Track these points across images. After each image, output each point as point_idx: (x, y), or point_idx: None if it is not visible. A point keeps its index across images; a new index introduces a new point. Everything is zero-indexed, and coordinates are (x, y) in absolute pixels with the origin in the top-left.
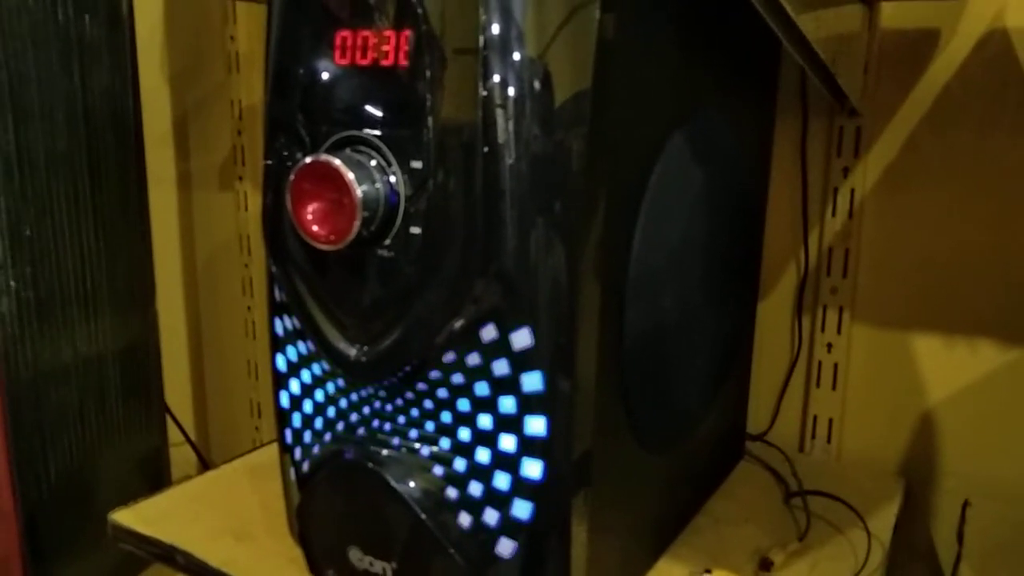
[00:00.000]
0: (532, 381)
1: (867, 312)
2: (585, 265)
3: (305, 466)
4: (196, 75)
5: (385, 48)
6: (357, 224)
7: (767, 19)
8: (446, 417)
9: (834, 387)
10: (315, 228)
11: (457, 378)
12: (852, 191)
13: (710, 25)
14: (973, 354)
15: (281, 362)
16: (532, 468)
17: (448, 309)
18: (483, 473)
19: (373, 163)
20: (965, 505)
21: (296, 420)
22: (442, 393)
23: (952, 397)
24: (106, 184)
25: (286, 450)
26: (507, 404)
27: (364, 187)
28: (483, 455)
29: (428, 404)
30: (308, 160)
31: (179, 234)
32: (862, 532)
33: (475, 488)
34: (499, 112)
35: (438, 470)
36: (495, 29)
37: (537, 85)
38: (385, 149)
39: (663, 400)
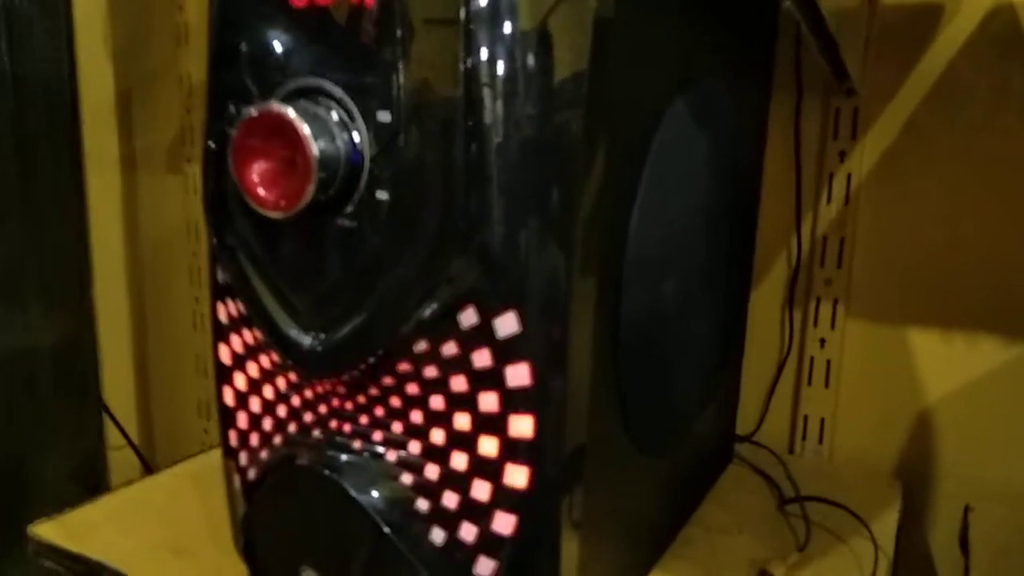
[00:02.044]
0: (518, 374)
1: (862, 305)
2: (580, 242)
3: (252, 472)
4: (142, 48)
5: None
6: (312, 187)
7: None
8: (416, 417)
9: (827, 385)
10: (262, 192)
11: (430, 371)
12: (848, 176)
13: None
14: (972, 350)
15: (224, 353)
16: (517, 476)
17: (420, 290)
18: (459, 481)
19: (333, 116)
20: (967, 510)
21: (242, 420)
22: (412, 389)
23: (950, 395)
24: (36, 164)
25: (230, 454)
26: (488, 401)
27: (321, 143)
28: (459, 461)
29: (395, 402)
30: (255, 111)
31: (122, 220)
32: (864, 540)
33: (450, 499)
34: (486, 91)
35: (406, 478)
36: (482, 1)
37: (531, 62)
38: (347, 100)
39: (660, 396)
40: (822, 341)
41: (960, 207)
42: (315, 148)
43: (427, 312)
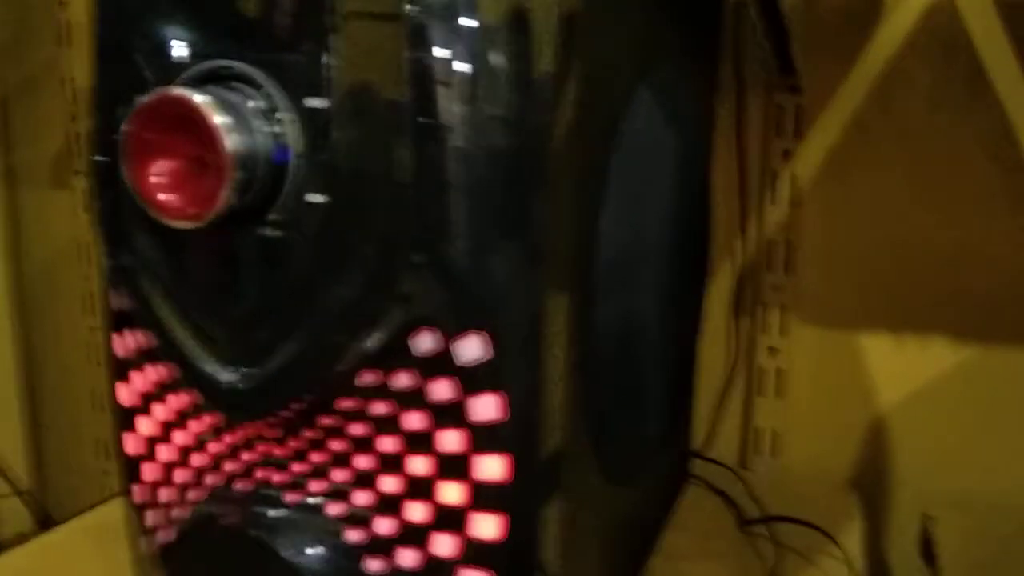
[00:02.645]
0: (485, 407)
1: (812, 311)
2: (551, 250)
3: (164, 535)
4: (19, 49)
5: None
6: (227, 190)
7: None
8: (363, 462)
9: (778, 395)
10: (164, 197)
11: (378, 408)
12: (793, 176)
13: None
14: (925, 352)
15: (124, 394)
16: (486, 526)
17: (365, 312)
18: (417, 536)
19: (250, 104)
20: (925, 520)
21: (148, 472)
22: (357, 429)
23: (904, 400)
24: None
25: (137, 512)
26: (451, 441)
27: (236, 136)
28: (417, 512)
29: (337, 445)
30: (153, 96)
31: (3, 241)
32: (831, 558)
33: (406, 557)
34: (441, 90)
35: (353, 535)
36: None
37: (495, 58)
38: (268, 82)
39: (631, 419)
40: (771, 349)
41: (907, 206)
42: (229, 142)
43: (374, 339)
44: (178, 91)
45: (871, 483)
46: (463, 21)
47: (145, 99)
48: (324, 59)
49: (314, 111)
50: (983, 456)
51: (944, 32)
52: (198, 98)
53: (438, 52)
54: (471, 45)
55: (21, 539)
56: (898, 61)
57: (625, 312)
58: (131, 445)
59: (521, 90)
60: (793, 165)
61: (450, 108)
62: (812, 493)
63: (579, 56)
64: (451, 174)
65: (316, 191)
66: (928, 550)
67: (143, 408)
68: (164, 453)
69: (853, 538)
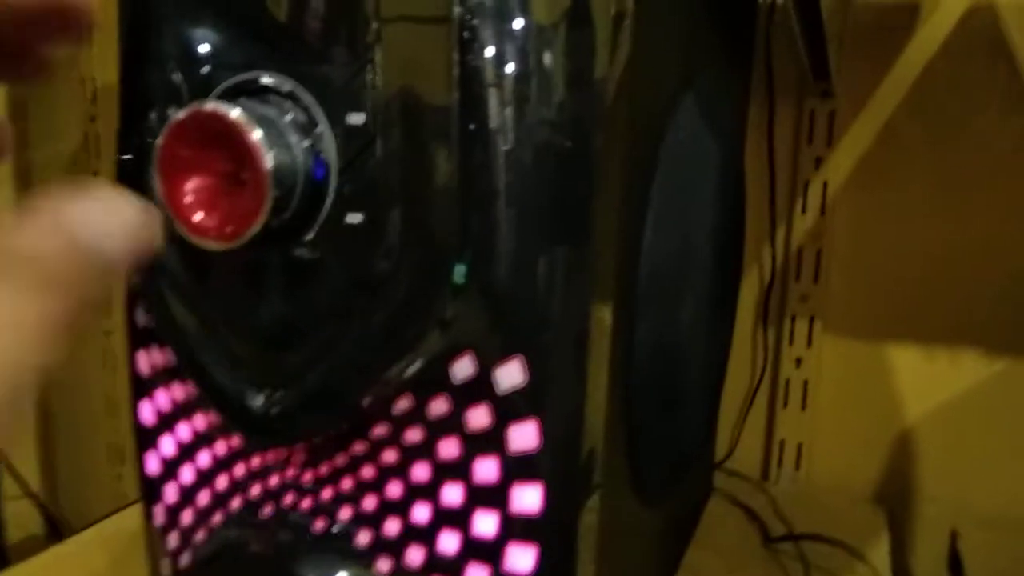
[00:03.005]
0: (524, 436)
1: (840, 322)
2: (597, 270)
3: (185, 559)
4: None
5: None
6: (265, 209)
7: None
8: (395, 490)
9: (803, 407)
10: (199, 217)
11: (413, 435)
12: (824, 184)
13: None
14: (955, 367)
15: (147, 412)
16: (521, 559)
17: (403, 336)
18: (449, 568)
19: (287, 118)
20: (954, 535)
21: (170, 493)
22: (390, 456)
23: (932, 414)
24: None
25: (157, 535)
26: (487, 470)
27: (275, 152)
28: (450, 542)
29: (368, 472)
30: (187, 112)
31: None
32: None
33: None
34: (491, 92)
35: (383, 565)
36: None
37: (548, 59)
38: (307, 97)
39: (669, 441)
40: (798, 360)
41: (941, 216)
42: (268, 159)
43: (411, 364)
44: (213, 106)
45: (897, 498)
46: (516, 22)
47: (179, 114)
48: (366, 71)
49: (354, 128)
50: (1012, 472)
51: (983, 36)
52: (234, 113)
53: (489, 54)
54: (522, 45)
55: (31, 542)
56: (935, 66)
57: (665, 328)
58: (153, 464)
59: (574, 91)
60: (824, 173)
61: (501, 112)
62: (837, 507)
63: (630, 55)
64: (500, 182)
65: (355, 210)
66: (956, 567)
67: (166, 427)
68: (187, 474)
69: (880, 554)
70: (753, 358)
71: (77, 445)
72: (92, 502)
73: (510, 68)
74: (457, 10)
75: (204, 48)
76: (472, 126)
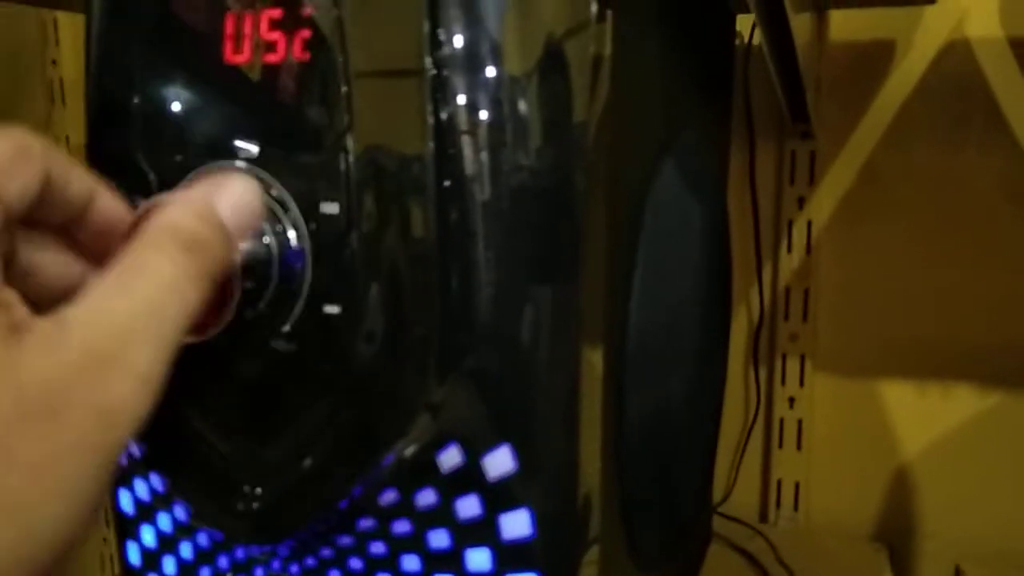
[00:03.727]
0: (516, 524)
1: (831, 360)
2: (588, 344)
3: None
4: (11, 107)
5: (271, 36)
6: (235, 301)
7: (760, 22)
8: None
9: (799, 447)
10: None
11: (401, 527)
12: (808, 223)
13: (681, 37)
14: (948, 401)
15: (126, 501)
16: None
17: (388, 427)
18: None
19: None
20: (957, 572)
21: None
22: (378, 549)
23: (928, 449)
24: None
25: None
26: (479, 560)
27: (246, 244)
28: None
29: (356, 564)
30: (149, 205)
31: None
32: None
33: None
34: (466, 140)
35: None
36: (457, 43)
37: (522, 107)
38: (278, 187)
39: (665, 507)
40: (791, 400)
41: (925, 251)
42: (236, 252)
43: (397, 455)
44: None
45: (898, 535)
46: (487, 71)
47: (143, 207)
48: (338, 159)
49: (329, 216)
50: (1012, 505)
51: (958, 74)
52: None
53: (462, 103)
54: (494, 94)
55: None
56: (912, 105)
57: (656, 396)
58: (134, 555)
59: (552, 139)
60: (808, 212)
61: (475, 160)
62: (838, 548)
63: (610, 104)
64: (478, 235)
65: (332, 301)
66: None
67: (146, 516)
68: (169, 566)
69: None
70: (746, 399)
71: None
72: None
73: (484, 115)
74: (428, 61)
75: (174, 135)
76: (447, 182)
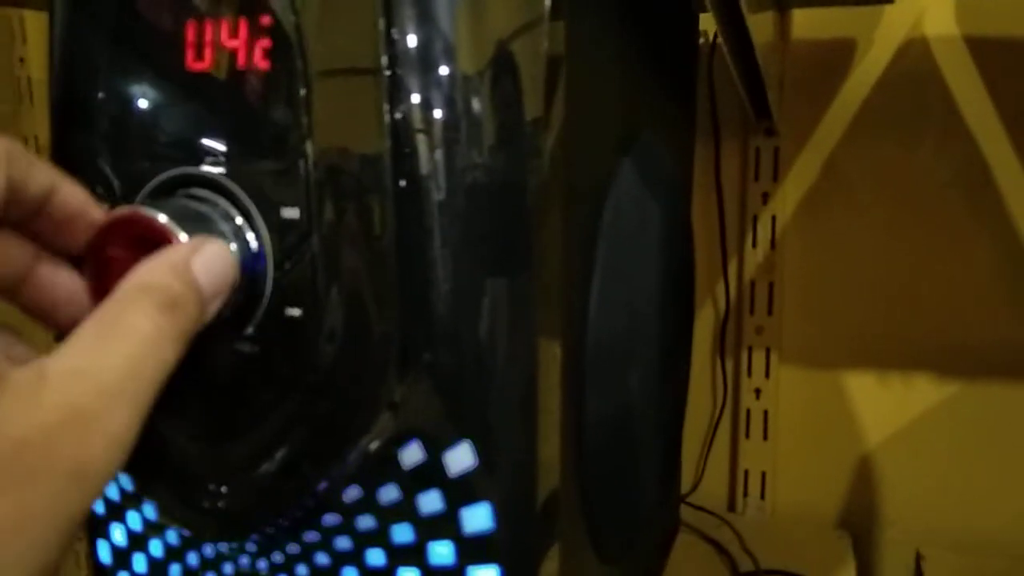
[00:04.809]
0: (477, 518)
1: (796, 352)
2: (545, 341)
3: None
4: None
5: (231, 43)
6: None
7: (718, 21)
8: None
9: (765, 437)
10: None
11: (365, 522)
12: (773, 218)
13: (640, 37)
14: (910, 390)
15: (97, 501)
16: None
17: (350, 425)
18: None
19: (222, 216)
20: (919, 558)
21: None
22: (343, 544)
23: (891, 438)
24: None
25: None
26: (442, 553)
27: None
28: None
29: (322, 559)
30: (114, 217)
31: None
32: None
33: None
34: (421, 138)
35: None
36: (411, 42)
37: (476, 105)
38: (239, 193)
39: (625, 499)
40: (757, 391)
41: (887, 245)
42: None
43: (360, 452)
44: (140, 210)
45: (862, 522)
46: (441, 70)
47: (106, 217)
48: (298, 162)
49: (289, 221)
50: (972, 493)
51: (917, 71)
52: (161, 217)
53: (414, 99)
54: (448, 93)
55: None
56: (872, 101)
57: (620, 388)
58: (105, 554)
59: (507, 138)
60: (772, 207)
61: (430, 158)
62: (803, 536)
63: (565, 101)
64: (434, 233)
65: (294, 305)
66: None
67: (116, 515)
68: (139, 564)
69: None
70: (713, 391)
71: None
72: None
73: (438, 113)
74: (384, 60)
75: (136, 141)
76: (403, 182)
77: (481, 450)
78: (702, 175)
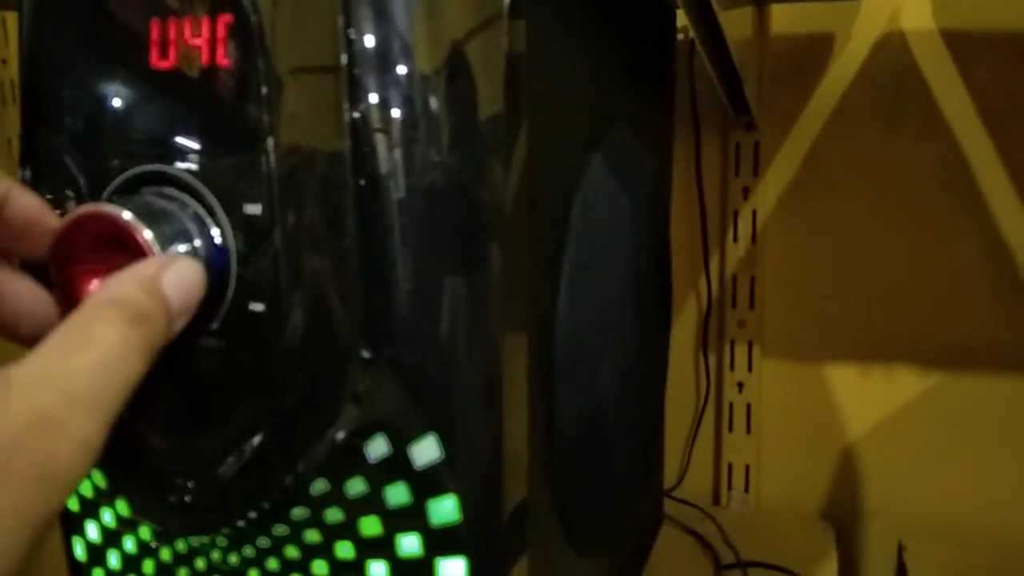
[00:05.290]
0: (443, 510)
1: (778, 346)
2: (509, 336)
3: None
4: None
5: (195, 42)
6: None
7: (689, 18)
8: (320, 569)
9: (748, 430)
10: None
11: (334, 515)
12: (754, 212)
13: (612, 33)
14: (891, 382)
15: (71, 499)
16: None
17: (316, 419)
18: None
19: (187, 213)
20: (901, 549)
21: None
22: (312, 536)
23: (873, 430)
24: None
25: None
26: (409, 544)
27: (173, 248)
28: None
29: (292, 552)
30: (78, 215)
31: None
32: None
33: None
34: (379, 137)
35: None
36: (368, 41)
37: (434, 104)
38: (203, 190)
39: (599, 491)
40: (740, 385)
41: (866, 238)
42: (160, 256)
43: (325, 447)
44: (104, 207)
45: (845, 514)
46: (399, 69)
47: (71, 216)
48: (260, 162)
49: (252, 217)
50: (954, 485)
51: (894, 64)
52: (125, 214)
53: (372, 99)
54: (406, 91)
55: None
56: (851, 94)
57: (593, 384)
58: (79, 550)
59: (466, 135)
60: (753, 202)
61: (389, 157)
62: (786, 529)
63: (527, 99)
64: (394, 231)
65: (258, 300)
66: None
67: (90, 512)
68: (113, 559)
69: (827, 574)
70: (697, 385)
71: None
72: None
73: (396, 113)
74: (343, 59)
75: (102, 139)
76: (362, 181)
77: (446, 442)
78: (683, 170)
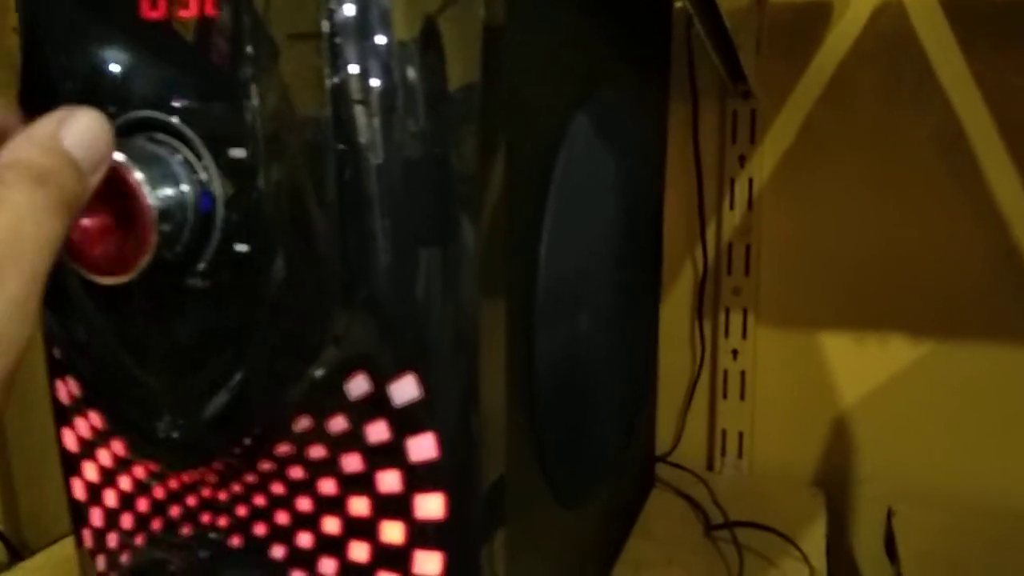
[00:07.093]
0: (422, 447)
1: (772, 313)
2: (486, 282)
3: None
4: None
5: None
6: (153, 243)
7: None
8: (305, 504)
9: (742, 397)
10: (90, 253)
11: (316, 451)
12: (750, 180)
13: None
14: (884, 350)
15: (70, 439)
16: (428, 564)
17: (298, 357)
18: (361, 575)
19: (176, 157)
20: (890, 513)
21: (96, 517)
22: (296, 473)
23: (865, 397)
24: None
25: (88, 558)
26: (389, 481)
27: (162, 190)
28: (359, 551)
29: (278, 488)
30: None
31: None
32: (796, 561)
33: None
34: (358, 109)
35: None
36: (348, 10)
37: (411, 74)
38: (191, 134)
39: (583, 443)
40: (735, 352)
41: (861, 206)
42: (152, 198)
43: (308, 382)
44: None
45: (836, 480)
46: (377, 38)
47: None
48: (245, 108)
49: (237, 161)
50: (941, 449)
51: (892, 33)
52: (118, 157)
53: (352, 69)
54: (385, 61)
55: None
56: (849, 64)
57: (575, 336)
58: (79, 490)
59: (443, 104)
60: (749, 170)
61: (368, 124)
62: (778, 494)
63: (506, 69)
64: (371, 196)
65: (242, 241)
66: (891, 544)
67: (88, 453)
68: (110, 498)
69: (816, 539)
70: (692, 351)
71: (35, 479)
72: (54, 532)
73: (374, 83)
74: (325, 25)
75: (93, 83)
76: (343, 144)
77: (424, 382)
78: (680, 138)
